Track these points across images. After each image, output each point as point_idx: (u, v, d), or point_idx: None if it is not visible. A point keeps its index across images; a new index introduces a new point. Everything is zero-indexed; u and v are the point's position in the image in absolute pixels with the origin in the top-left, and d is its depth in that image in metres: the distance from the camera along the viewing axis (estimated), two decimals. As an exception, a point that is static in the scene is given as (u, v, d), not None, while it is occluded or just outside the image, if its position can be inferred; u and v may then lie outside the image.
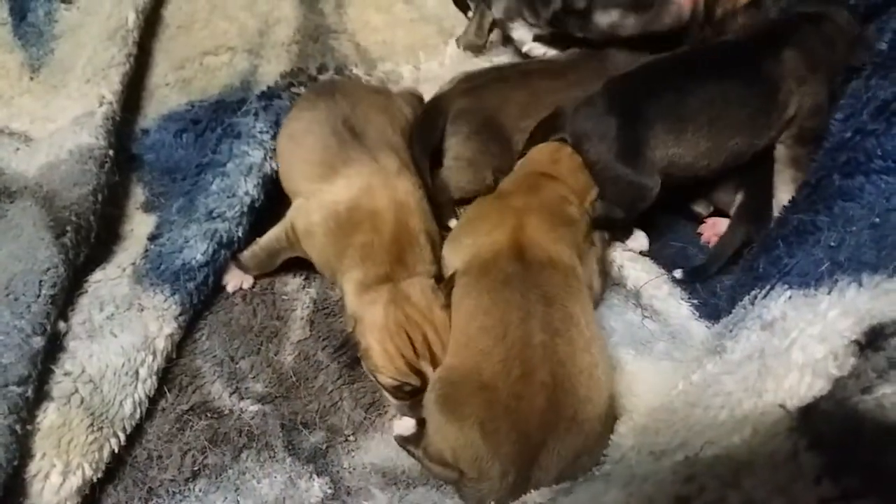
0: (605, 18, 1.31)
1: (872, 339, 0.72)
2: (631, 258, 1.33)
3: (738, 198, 1.36)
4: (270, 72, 1.57)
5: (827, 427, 0.64)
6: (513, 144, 1.34)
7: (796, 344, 0.80)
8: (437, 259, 1.18)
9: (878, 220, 0.90)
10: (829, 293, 0.88)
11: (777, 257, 1.08)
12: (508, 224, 1.13)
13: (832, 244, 0.94)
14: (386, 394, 1.10)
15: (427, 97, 1.58)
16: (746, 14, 1.44)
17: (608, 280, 1.30)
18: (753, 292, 1.04)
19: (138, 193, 1.43)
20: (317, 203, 1.16)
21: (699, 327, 1.24)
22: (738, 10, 1.44)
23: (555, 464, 0.94)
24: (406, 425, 1.09)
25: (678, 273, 1.30)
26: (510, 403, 0.95)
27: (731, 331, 1.03)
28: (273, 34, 1.68)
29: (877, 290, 0.80)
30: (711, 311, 1.25)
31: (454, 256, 1.17)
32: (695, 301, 1.28)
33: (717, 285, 1.30)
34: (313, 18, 1.75)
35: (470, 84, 1.38)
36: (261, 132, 1.33)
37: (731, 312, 1.13)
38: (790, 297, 0.95)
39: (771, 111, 1.27)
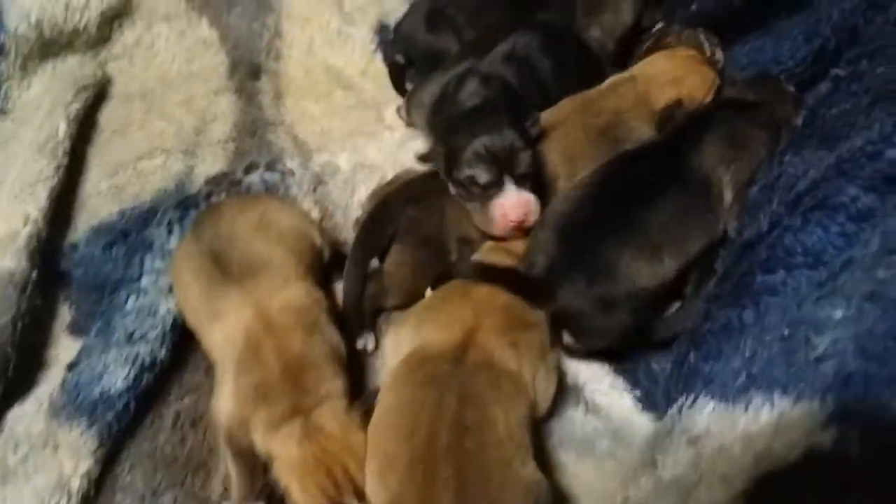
0: (461, 172, 1.26)
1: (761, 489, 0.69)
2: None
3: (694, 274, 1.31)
4: (205, 172, 1.54)
5: None
6: (452, 256, 1.32)
7: (703, 481, 0.77)
8: (343, 370, 1.11)
9: (787, 331, 0.86)
10: (745, 410, 0.85)
11: (705, 355, 1.05)
12: (466, 322, 1.08)
13: (748, 354, 0.91)
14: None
15: (365, 185, 1.56)
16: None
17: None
18: (681, 401, 1.00)
19: (65, 314, 1.36)
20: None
21: (642, 420, 1.19)
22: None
23: None
24: None
25: None
26: None
27: (661, 443, 1.00)
28: (210, 132, 1.67)
29: (781, 420, 0.76)
30: (654, 400, 1.22)
31: (413, 336, 1.11)
32: (637, 392, 1.24)
33: (658, 373, 1.26)
34: (251, 112, 1.73)
35: (411, 192, 1.37)
36: (175, 247, 1.28)
37: (666, 412, 1.09)
38: (713, 409, 0.92)
39: (715, 206, 1.26)
